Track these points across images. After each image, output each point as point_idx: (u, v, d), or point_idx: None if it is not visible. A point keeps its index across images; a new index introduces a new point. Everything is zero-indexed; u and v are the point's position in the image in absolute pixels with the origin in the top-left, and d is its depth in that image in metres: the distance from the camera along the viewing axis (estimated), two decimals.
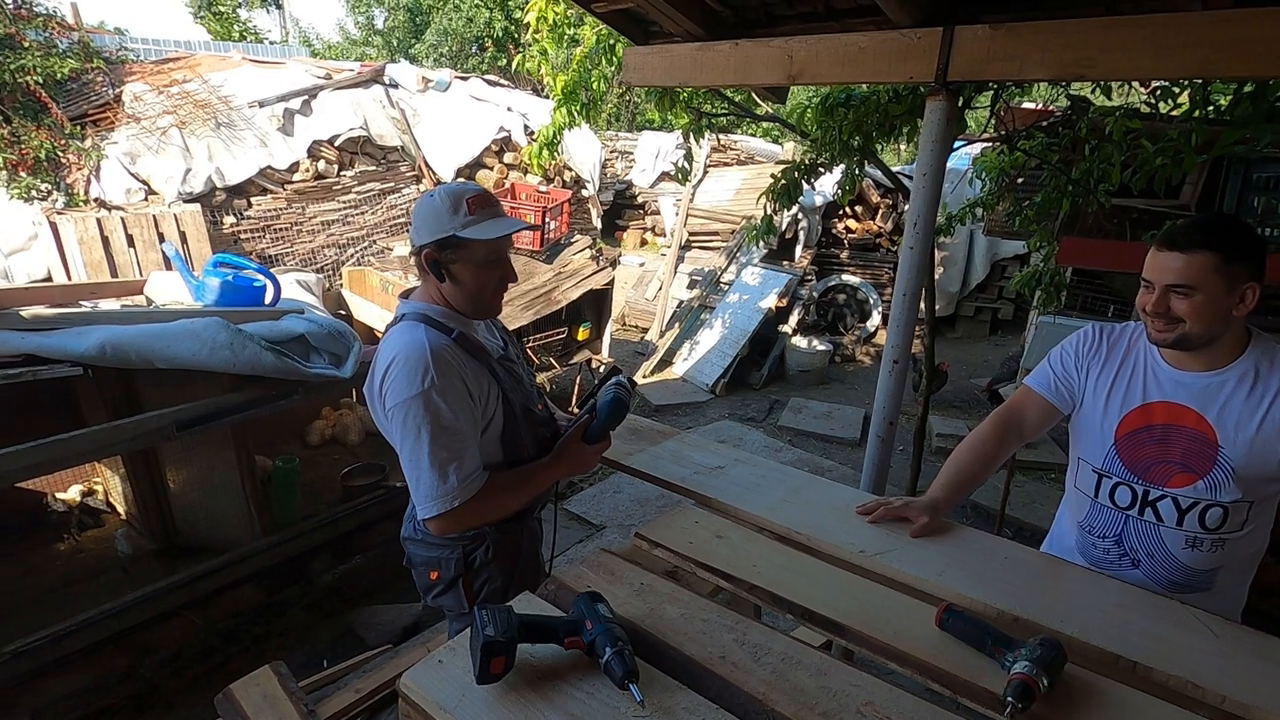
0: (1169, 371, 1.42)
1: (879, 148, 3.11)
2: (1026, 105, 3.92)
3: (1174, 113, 2.42)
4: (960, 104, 2.61)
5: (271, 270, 3.06)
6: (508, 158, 6.98)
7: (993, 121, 2.72)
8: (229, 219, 5.15)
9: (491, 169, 6.90)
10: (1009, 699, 1.04)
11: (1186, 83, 2.33)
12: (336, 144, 5.76)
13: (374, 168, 6.09)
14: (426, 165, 6.51)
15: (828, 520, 1.58)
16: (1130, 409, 1.45)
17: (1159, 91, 2.28)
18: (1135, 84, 2.47)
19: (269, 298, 2.68)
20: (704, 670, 1.12)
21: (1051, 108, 3.83)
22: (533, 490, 1.50)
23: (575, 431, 1.55)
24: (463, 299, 1.42)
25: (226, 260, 2.70)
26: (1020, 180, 3.33)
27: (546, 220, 4.33)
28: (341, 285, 4.00)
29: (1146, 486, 1.44)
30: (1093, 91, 2.47)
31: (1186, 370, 1.40)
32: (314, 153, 5.65)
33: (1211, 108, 2.33)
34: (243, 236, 5.24)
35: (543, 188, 5.16)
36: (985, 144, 4.10)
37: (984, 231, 5.22)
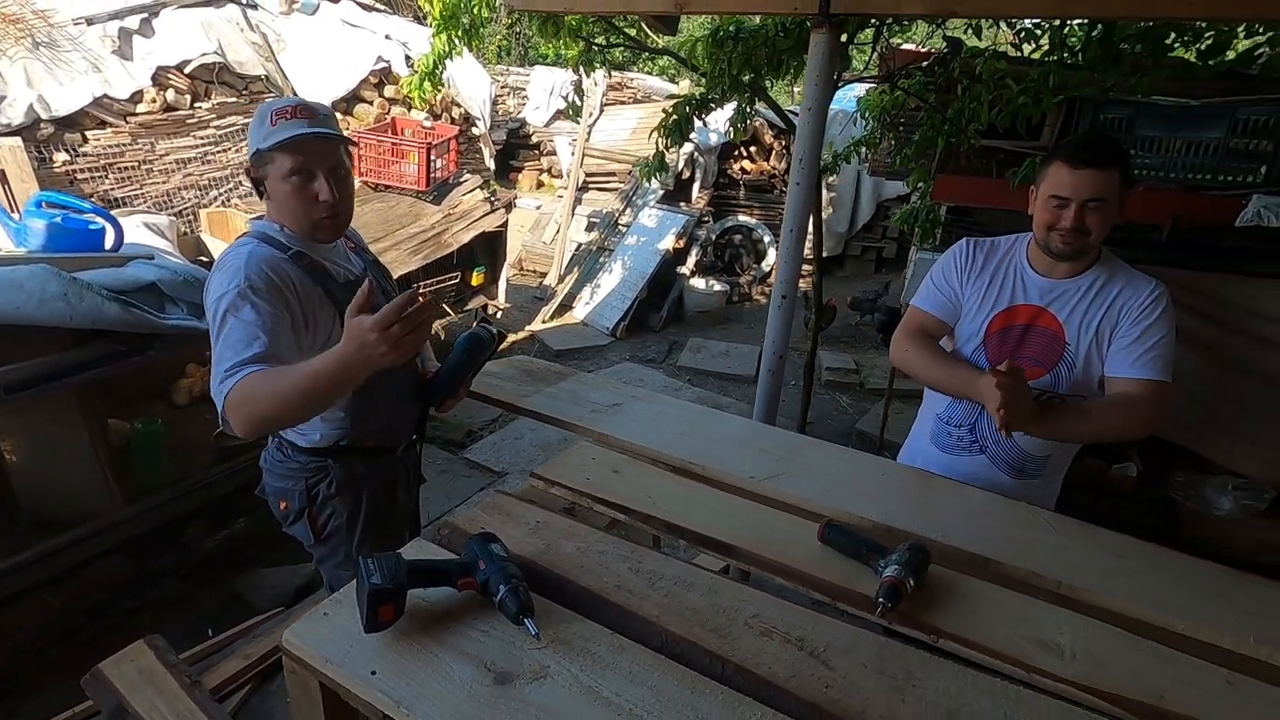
0: (1035, 278, 1.57)
1: (770, 85, 3.12)
2: (908, 47, 4.04)
3: (1035, 55, 2.56)
4: (846, 40, 2.65)
5: (114, 213, 2.72)
6: (389, 91, 6.47)
7: (876, 60, 2.78)
8: (61, 155, 4.50)
9: (371, 103, 6.38)
10: (880, 599, 1.13)
11: (1047, 26, 2.46)
12: (187, 71, 5.12)
13: (235, 99, 5.47)
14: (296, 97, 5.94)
15: (722, 451, 1.63)
16: (999, 311, 1.58)
17: (1022, 33, 2.40)
18: (1004, 25, 2.59)
19: (109, 242, 2.38)
20: (600, 599, 1.14)
21: (930, 50, 3.97)
22: (305, 382, 1.16)
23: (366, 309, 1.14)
24: (284, 217, 1.39)
25: (53, 199, 2.36)
26: (901, 121, 3.46)
27: (432, 158, 4.08)
28: (201, 230, 3.63)
29: None
30: (965, 33, 2.57)
31: (1049, 277, 1.55)
32: (160, 81, 4.99)
33: (1068, 53, 2.49)
34: (80, 176, 4.60)
35: (427, 123, 4.84)
36: (870, 84, 4.20)
37: (868, 172, 5.41)
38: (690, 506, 1.42)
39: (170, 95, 5.01)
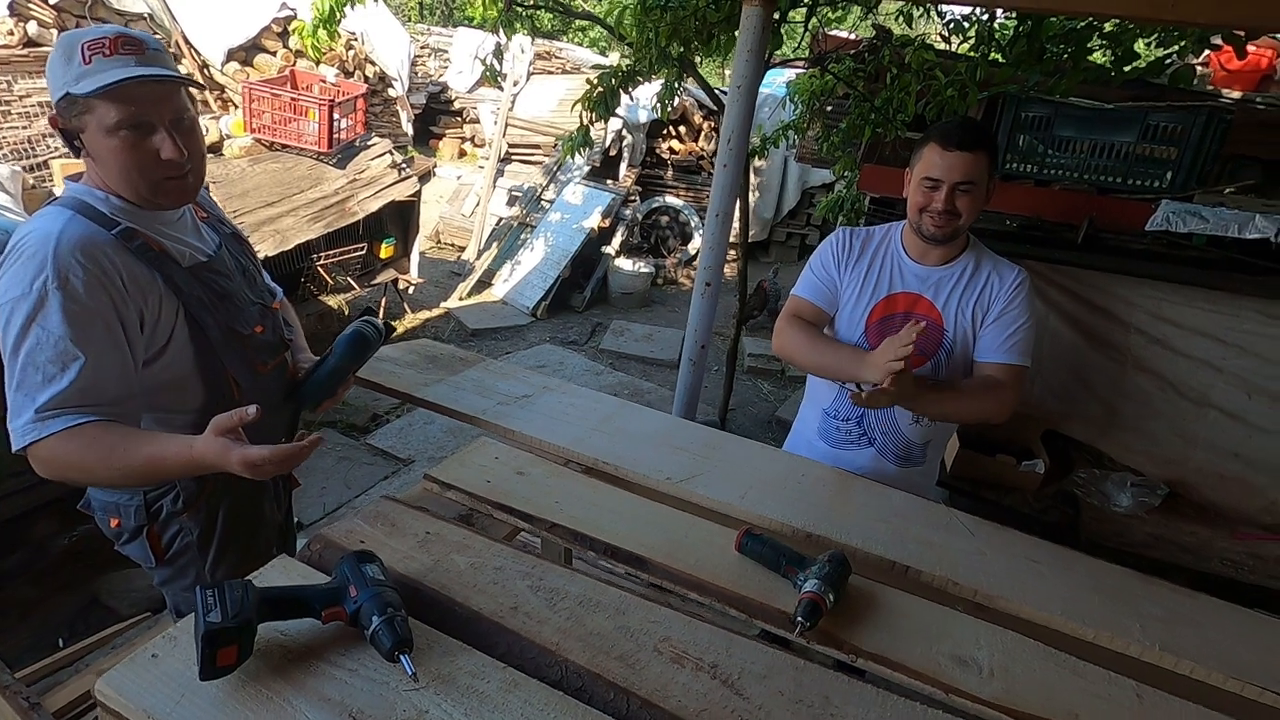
0: (911, 265, 1.57)
1: (699, 62, 3.00)
2: (839, 33, 4.02)
3: (962, 48, 2.56)
4: (778, 17, 2.56)
5: None
6: (293, 42, 5.95)
7: (806, 44, 2.71)
8: None
9: (275, 54, 5.85)
10: (798, 618, 1.06)
11: (975, 19, 2.45)
12: (52, 2, 4.51)
13: None
14: (186, 42, 5.35)
15: (638, 449, 1.53)
16: (879, 299, 1.58)
17: (951, 24, 2.38)
18: (934, 15, 2.57)
19: None
20: (493, 625, 1.01)
21: (860, 38, 3.95)
22: (143, 469, 1.05)
23: (236, 413, 1.01)
24: (112, 180, 1.11)
25: None
26: (829, 108, 3.42)
27: (336, 118, 3.75)
28: (53, 182, 3.17)
29: None
30: (896, 21, 2.53)
31: (924, 264, 1.56)
32: (19, 10, 4.39)
33: (994, 48, 2.49)
34: None
35: (333, 79, 4.47)
36: (799, 69, 4.16)
37: (796, 158, 5.41)
38: (600, 513, 1.31)
39: (32, 28, 4.40)
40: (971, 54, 2.46)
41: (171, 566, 1.31)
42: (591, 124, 2.74)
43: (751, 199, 7.00)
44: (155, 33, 5.20)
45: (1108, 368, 2.03)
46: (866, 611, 1.14)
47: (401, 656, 0.88)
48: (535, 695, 0.90)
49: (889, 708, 0.96)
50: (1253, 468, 1.96)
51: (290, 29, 5.78)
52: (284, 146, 3.81)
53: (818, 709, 0.94)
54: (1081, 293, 2.01)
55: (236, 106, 5.08)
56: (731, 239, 3.36)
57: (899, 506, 1.47)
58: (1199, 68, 3.25)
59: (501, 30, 2.88)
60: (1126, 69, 2.35)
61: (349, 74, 6.55)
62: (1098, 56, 2.42)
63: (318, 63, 6.06)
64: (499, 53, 3.00)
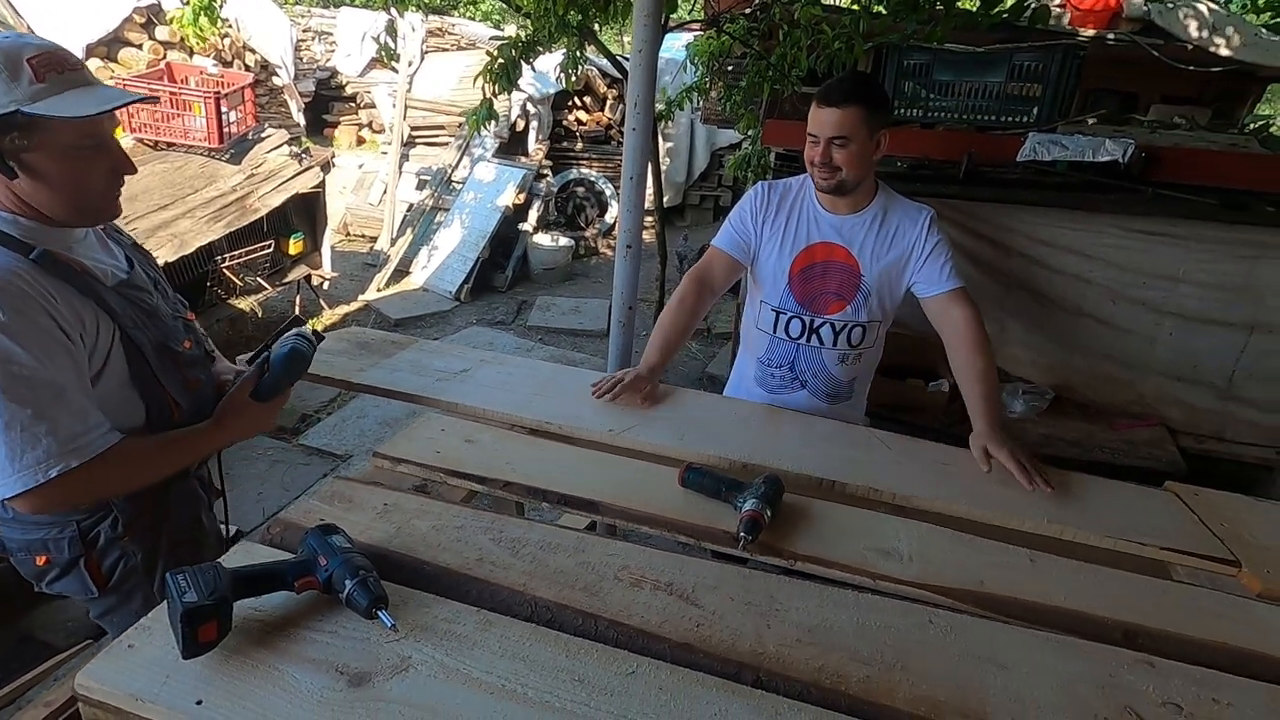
0: (824, 216, 1.67)
1: (599, 29, 3.03)
2: None
3: (845, 1, 2.69)
4: None
5: None
6: (162, 33, 5.55)
7: (700, 6, 2.78)
8: None
9: (140, 47, 5.44)
10: (741, 533, 1.17)
11: None
12: None
13: None
14: None
15: (578, 407, 1.60)
16: (799, 250, 1.68)
17: None
18: None
19: None
20: (461, 576, 1.07)
21: None
22: (184, 459, 1.25)
23: (243, 385, 1.25)
24: (54, 201, 1.05)
25: None
26: (729, 68, 3.52)
27: (224, 110, 3.56)
28: None
29: (812, 316, 1.69)
30: None
31: (836, 214, 1.66)
32: None
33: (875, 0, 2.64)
34: None
35: (214, 70, 4.22)
36: (696, 31, 4.22)
37: (701, 120, 5.51)
38: (551, 468, 1.38)
39: None
40: (855, 7, 2.60)
41: (116, 594, 1.25)
42: (495, 96, 2.74)
43: (662, 164, 7.08)
44: None
45: (995, 290, 2.24)
46: (800, 522, 1.26)
47: (379, 612, 0.93)
48: (510, 630, 0.97)
49: (826, 598, 1.09)
50: (1122, 366, 2.22)
51: (168, 18, 5.38)
52: (169, 145, 3.59)
53: (765, 607, 1.06)
54: (967, 223, 2.20)
55: None
56: (647, 205, 3.44)
57: (824, 431, 1.61)
58: (1055, 8, 3.51)
59: (393, 7, 2.81)
60: (993, 13, 2.54)
61: (227, 63, 6.17)
62: (966, 2, 2.60)
63: (192, 53, 5.68)
64: (392, 29, 2.92)
